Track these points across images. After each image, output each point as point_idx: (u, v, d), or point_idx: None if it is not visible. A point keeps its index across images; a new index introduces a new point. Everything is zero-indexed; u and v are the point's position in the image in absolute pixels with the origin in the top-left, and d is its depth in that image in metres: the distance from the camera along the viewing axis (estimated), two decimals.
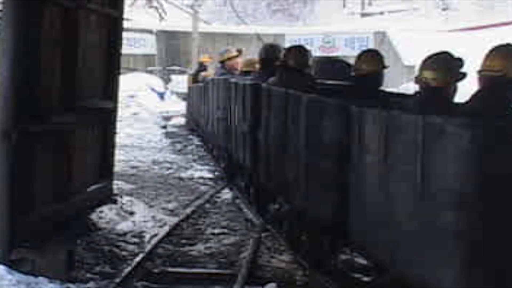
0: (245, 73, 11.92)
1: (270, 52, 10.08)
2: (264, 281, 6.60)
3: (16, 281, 6.26)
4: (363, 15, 44.23)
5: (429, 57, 5.67)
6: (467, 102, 5.32)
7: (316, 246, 6.91)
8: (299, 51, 8.96)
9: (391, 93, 7.60)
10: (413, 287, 4.82)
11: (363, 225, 5.71)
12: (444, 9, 41.76)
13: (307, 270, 6.90)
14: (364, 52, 7.97)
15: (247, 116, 9.69)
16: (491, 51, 5.20)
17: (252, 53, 17.47)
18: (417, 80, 5.66)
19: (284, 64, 8.78)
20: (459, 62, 5.66)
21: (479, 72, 5.23)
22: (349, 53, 29.50)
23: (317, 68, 11.04)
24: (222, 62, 15.03)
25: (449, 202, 4.32)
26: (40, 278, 6.35)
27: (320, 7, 45.84)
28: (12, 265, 6.42)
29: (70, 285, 6.37)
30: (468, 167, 4.17)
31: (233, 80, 11.57)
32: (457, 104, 5.53)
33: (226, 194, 10.82)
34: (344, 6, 45.66)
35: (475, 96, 5.26)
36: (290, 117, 7.60)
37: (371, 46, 32.68)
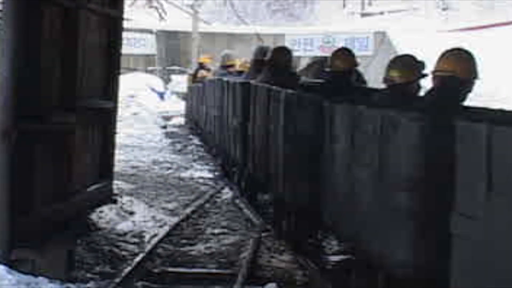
0: (240, 73, 12.72)
1: (260, 53, 10.81)
2: (264, 281, 6.60)
3: (16, 281, 6.25)
4: (363, 15, 44.20)
5: (395, 59, 6.39)
6: (422, 98, 5.93)
7: (295, 229, 7.58)
8: (283, 51, 9.95)
9: (365, 88, 8.01)
10: (373, 259, 5.44)
11: (333, 208, 6.41)
12: (444, 9, 41.74)
13: (307, 270, 6.91)
14: (338, 50, 8.47)
15: (237, 112, 10.50)
16: (443, 54, 5.73)
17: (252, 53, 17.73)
18: (385, 80, 6.29)
19: (269, 63, 9.71)
20: (421, 64, 6.32)
21: (433, 72, 5.76)
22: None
23: (317, 67, 11.14)
24: (222, 66, 15.54)
25: (401, 185, 4.95)
26: (40, 278, 6.34)
27: (320, 7, 45.80)
28: (12, 265, 6.41)
29: (70, 285, 6.37)
30: (417, 154, 4.81)
31: (225, 79, 12.41)
32: (418, 98, 6.11)
33: (226, 194, 10.83)
34: (344, 6, 45.62)
35: (428, 94, 5.86)
36: (271, 111, 8.32)
37: (371, 46, 32.71)
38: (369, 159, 5.48)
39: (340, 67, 7.98)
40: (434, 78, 5.77)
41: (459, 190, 4.19)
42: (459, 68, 5.64)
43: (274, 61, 9.62)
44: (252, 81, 9.94)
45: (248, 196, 10.06)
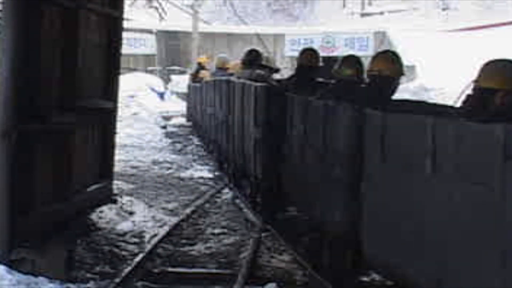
0: (231, 74, 13.68)
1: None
2: (264, 281, 6.60)
3: (16, 281, 6.26)
4: (363, 15, 44.19)
5: (346, 58, 7.51)
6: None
7: (265, 203, 8.92)
8: (252, 51, 11.78)
9: (326, 83, 8.77)
10: (318, 222, 6.74)
11: (291, 182, 7.85)
12: (444, 9, 41.74)
13: (307, 270, 6.92)
14: (306, 50, 9.68)
15: (223, 107, 12.07)
16: (374, 57, 6.85)
17: None
18: (336, 75, 7.34)
19: (241, 62, 11.72)
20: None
21: (367, 72, 6.85)
22: (349, 53, 29.53)
23: None
24: (217, 67, 16.23)
25: (337, 161, 6.15)
26: (40, 278, 6.35)
27: (320, 7, 45.79)
28: (12, 265, 6.42)
29: (70, 285, 6.38)
30: (347, 136, 5.98)
31: (215, 79, 14.18)
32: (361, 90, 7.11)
33: (226, 194, 10.83)
34: (344, 6, 45.61)
35: (361, 89, 7.05)
36: (245, 103, 9.80)
37: (371, 46, 32.66)
38: (315, 140, 6.78)
39: (306, 64, 9.11)
40: (368, 76, 6.84)
41: (366, 161, 5.58)
42: (386, 68, 6.65)
43: (244, 60, 11.63)
44: (232, 78, 11.69)
45: (234, 183, 11.06)
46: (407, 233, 4.80)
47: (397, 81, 6.70)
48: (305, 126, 7.19)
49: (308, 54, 9.28)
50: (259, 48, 13.43)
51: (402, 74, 6.74)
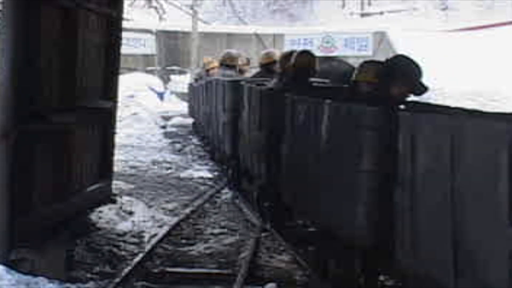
0: None
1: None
2: (264, 281, 6.60)
3: (15, 281, 6.26)
4: (363, 15, 44.17)
5: (289, 54, 9.12)
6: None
7: (233, 176, 11.13)
8: (228, 52, 14.53)
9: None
10: (253, 175, 9.21)
11: (243, 153, 9.94)
12: (444, 9, 41.75)
13: (307, 270, 6.93)
14: (264, 52, 12.21)
15: (208, 101, 14.31)
16: (297, 56, 8.67)
17: (252, 53, 18.30)
18: (282, 66, 9.02)
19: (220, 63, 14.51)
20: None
21: (293, 66, 8.62)
22: (349, 53, 29.50)
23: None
24: (206, 70, 16.68)
25: (259, 127, 8.65)
26: (40, 278, 6.35)
27: (319, 7, 45.75)
28: (12, 265, 6.42)
29: (70, 285, 6.38)
30: (265, 111, 8.43)
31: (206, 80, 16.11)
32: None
33: (226, 194, 10.82)
34: (343, 6, 45.59)
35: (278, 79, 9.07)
36: (218, 96, 12.31)
37: (371, 46, 32.65)
38: (256, 117, 8.87)
39: (263, 63, 11.60)
40: (295, 69, 8.57)
41: (285, 129, 7.62)
42: (307, 63, 8.57)
43: (220, 61, 14.38)
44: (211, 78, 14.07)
45: (219, 165, 13.02)
46: (306, 183, 6.76)
47: (313, 70, 8.66)
48: (250, 108, 9.31)
49: (268, 54, 11.80)
50: (258, 48, 14.66)
51: (315, 66, 8.68)
